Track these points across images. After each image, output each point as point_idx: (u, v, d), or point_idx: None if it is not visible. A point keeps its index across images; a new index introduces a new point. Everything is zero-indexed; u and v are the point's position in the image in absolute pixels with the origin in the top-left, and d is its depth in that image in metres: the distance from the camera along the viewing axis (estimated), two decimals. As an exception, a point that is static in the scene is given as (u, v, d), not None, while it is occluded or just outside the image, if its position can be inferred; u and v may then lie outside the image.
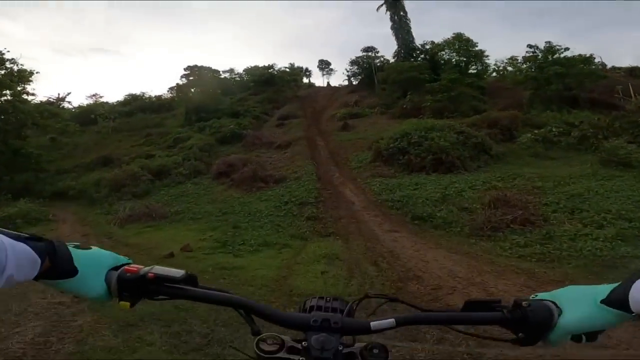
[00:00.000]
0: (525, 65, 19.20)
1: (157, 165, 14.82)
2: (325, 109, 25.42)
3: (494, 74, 23.67)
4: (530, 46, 18.90)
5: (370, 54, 32.64)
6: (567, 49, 17.81)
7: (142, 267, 0.66)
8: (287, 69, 37.31)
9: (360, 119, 20.38)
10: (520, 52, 20.18)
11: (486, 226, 6.57)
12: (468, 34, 23.85)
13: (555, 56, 17.79)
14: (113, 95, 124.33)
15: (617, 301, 0.53)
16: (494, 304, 0.62)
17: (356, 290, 4.14)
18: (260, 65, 33.23)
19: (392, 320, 0.61)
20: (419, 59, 24.94)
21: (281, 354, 0.61)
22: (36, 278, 0.55)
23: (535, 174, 10.03)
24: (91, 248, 0.65)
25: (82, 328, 3.01)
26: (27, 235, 0.55)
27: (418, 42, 26.82)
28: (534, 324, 0.58)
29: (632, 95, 13.40)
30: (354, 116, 20.79)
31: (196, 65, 29.52)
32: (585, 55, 17.39)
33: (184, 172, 14.49)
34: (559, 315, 0.57)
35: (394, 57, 27.48)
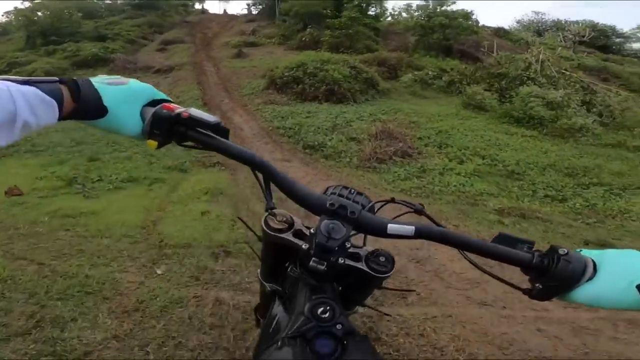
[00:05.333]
0: (417, 13, 20.03)
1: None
2: (218, 35, 22.39)
3: (390, 18, 24.56)
4: (424, -5, 19.47)
5: (272, -16, 29.95)
6: (454, 2, 18.91)
7: (179, 106, 0.60)
8: (176, -7, 31.82)
9: (256, 47, 18.98)
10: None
11: (372, 157, 6.61)
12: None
13: (443, 8, 18.73)
14: None
15: None
16: (527, 244, 0.53)
17: (243, 234, 3.56)
18: (140, -11, 27.55)
19: (412, 227, 0.54)
20: (325, -6, 24.34)
21: (286, 235, 0.56)
22: (62, 119, 0.51)
23: (412, 110, 10.59)
24: (127, 82, 0.58)
25: None
26: (40, 79, 0.49)
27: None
28: (560, 276, 0.49)
29: (495, 52, 14.92)
30: (250, 45, 19.24)
31: (45, -14, 22.33)
32: (466, 10, 18.73)
33: (20, 99, 11.30)
34: (590, 278, 0.49)
35: (300, -10, 26.14)
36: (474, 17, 19.51)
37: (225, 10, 38.50)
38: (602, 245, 3.35)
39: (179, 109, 0.59)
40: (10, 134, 0.44)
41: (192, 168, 5.92)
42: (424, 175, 5.90)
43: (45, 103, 0.47)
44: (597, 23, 25.00)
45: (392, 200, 0.65)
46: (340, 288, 0.56)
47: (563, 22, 23.99)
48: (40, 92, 0.46)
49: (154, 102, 0.59)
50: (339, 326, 0.49)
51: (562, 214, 4.37)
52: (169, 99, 0.62)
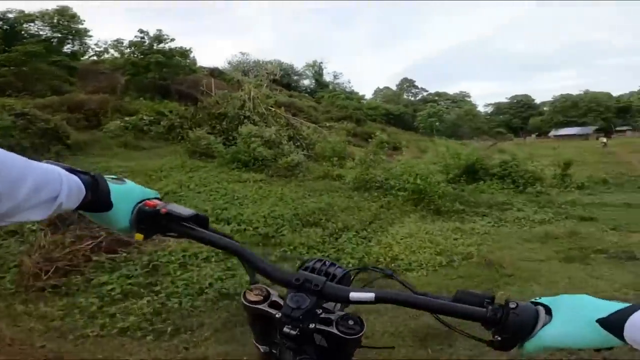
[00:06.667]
0: (128, 50, 17.97)
1: None
2: None
3: (95, 56, 21.57)
4: (141, 31, 17.43)
5: None
6: (173, 39, 17.74)
7: (161, 202, 0.65)
8: None
9: None
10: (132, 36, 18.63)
11: (46, 269, 3.60)
12: (77, 9, 20.52)
13: (161, 45, 17.36)
14: None
15: (614, 326, 0.45)
16: (486, 299, 0.54)
17: None
18: None
19: (371, 295, 0.57)
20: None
21: (263, 306, 0.60)
22: (77, 209, 0.55)
23: (125, 167, 8.04)
24: (125, 182, 0.64)
25: None
26: (77, 169, 0.56)
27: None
28: (513, 328, 0.51)
29: (213, 91, 14.62)
30: None
31: None
32: (185, 49, 17.97)
33: None
34: (546, 324, 0.50)
35: None
36: (192, 55, 19.26)
37: None
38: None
39: (159, 204, 0.63)
40: (48, 211, 0.49)
41: None
42: (155, 277, 3.64)
43: (78, 192, 0.53)
44: (283, 62, 30.66)
45: (365, 269, 0.71)
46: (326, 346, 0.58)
47: (261, 62, 27.70)
48: (80, 182, 0.53)
49: (143, 200, 0.64)
50: None
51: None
52: (158, 196, 0.67)
